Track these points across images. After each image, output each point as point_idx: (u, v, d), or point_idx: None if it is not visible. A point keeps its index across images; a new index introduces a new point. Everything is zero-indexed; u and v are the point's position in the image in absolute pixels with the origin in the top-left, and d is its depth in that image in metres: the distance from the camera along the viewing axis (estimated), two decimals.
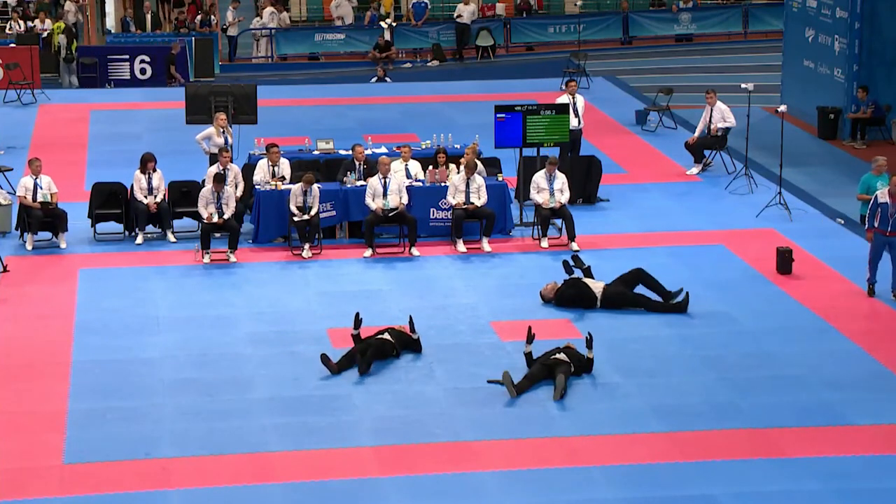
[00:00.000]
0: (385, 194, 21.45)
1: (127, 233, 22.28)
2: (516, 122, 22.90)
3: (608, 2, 44.89)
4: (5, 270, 20.55)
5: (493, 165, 23.32)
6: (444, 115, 30.86)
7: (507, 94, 32.34)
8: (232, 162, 22.19)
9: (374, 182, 21.60)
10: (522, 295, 19.66)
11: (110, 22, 41.94)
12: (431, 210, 22.26)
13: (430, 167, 22.72)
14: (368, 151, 23.27)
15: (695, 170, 26.23)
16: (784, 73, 33.20)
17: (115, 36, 39.58)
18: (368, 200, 21.54)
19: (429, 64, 40.03)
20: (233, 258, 21.16)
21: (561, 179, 21.96)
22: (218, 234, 21.47)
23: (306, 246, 21.46)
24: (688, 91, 32.66)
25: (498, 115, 22.97)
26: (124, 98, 33.81)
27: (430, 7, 42.17)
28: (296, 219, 21.31)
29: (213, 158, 22.94)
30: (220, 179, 21.37)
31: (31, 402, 16.08)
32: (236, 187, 21.86)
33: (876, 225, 19.44)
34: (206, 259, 21.10)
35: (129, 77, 36.02)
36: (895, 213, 19.36)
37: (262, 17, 40.52)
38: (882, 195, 19.52)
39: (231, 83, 24.87)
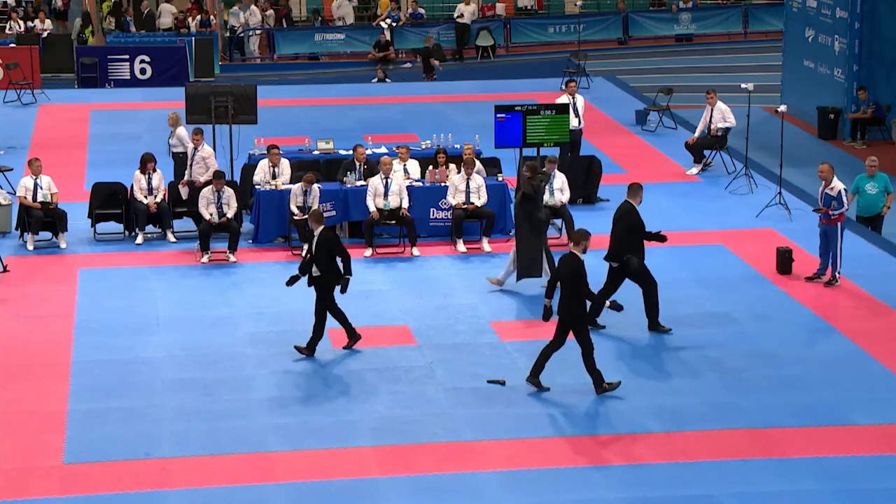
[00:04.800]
0: (386, 194, 21.45)
1: (127, 233, 22.28)
2: (516, 122, 22.85)
3: (608, 2, 44.91)
4: (5, 270, 20.55)
5: (493, 165, 23.33)
6: (444, 115, 30.87)
7: (507, 94, 32.35)
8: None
9: (376, 182, 21.61)
10: (522, 295, 19.66)
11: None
12: (431, 210, 22.26)
13: (430, 167, 22.73)
14: (368, 151, 23.28)
15: (695, 170, 26.24)
16: (784, 73, 33.22)
17: (115, 36, 39.63)
18: (369, 200, 21.55)
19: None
20: (232, 258, 21.16)
21: (561, 179, 21.96)
22: (225, 237, 21.42)
23: (306, 246, 21.43)
24: (688, 91, 32.67)
25: (498, 115, 22.92)
26: (124, 98, 33.82)
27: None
28: (296, 218, 21.31)
29: (178, 160, 23.20)
30: (219, 176, 21.40)
31: (31, 402, 16.08)
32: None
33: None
34: (205, 259, 21.11)
35: (129, 77, 36.04)
36: (823, 198, 19.84)
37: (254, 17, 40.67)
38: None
39: (231, 83, 24.87)
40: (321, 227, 17.45)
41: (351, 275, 17.44)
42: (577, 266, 16.08)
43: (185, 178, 22.48)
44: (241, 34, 40.53)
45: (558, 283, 16.22)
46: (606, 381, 16.17)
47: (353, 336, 17.63)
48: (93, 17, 41.46)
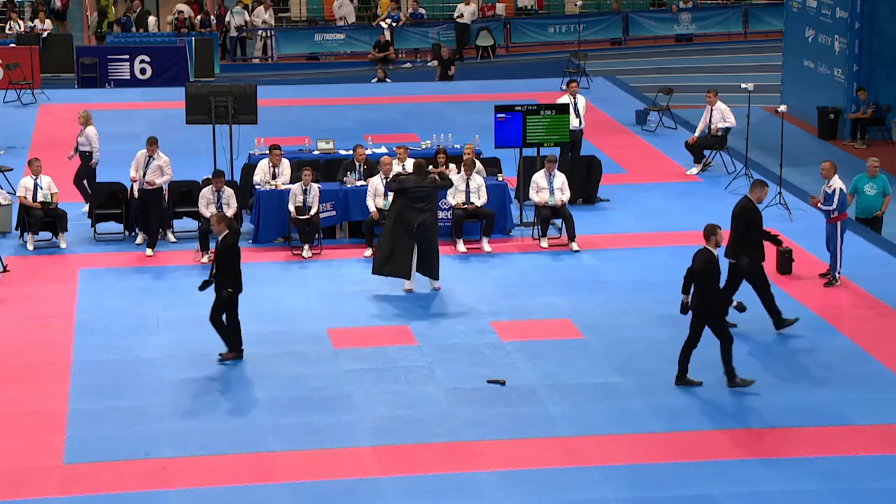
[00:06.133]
0: (386, 194, 21.45)
1: (127, 233, 22.27)
2: (516, 122, 22.90)
3: (608, 2, 44.92)
4: (5, 270, 20.55)
5: (493, 165, 23.33)
6: (444, 115, 30.87)
7: (507, 94, 32.35)
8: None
9: (376, 182, 21.62)
10: (522, 295, 19.67)
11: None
12: None
13: (430, 167, 22.69)
14: (368, 151, 23.29)
15: (695, 170, 26.24)
16: (784, 73, 33.23)
17: (115, 36, 39.66)
18: (369, 201, 21.56)
19: (429, 64, 40.03)
20: None
21: (561, 178, 21.98)
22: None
23: (306, 246, 21.47)
24: (688, 91, 32.67)
25: (498, 115, 22.97)
26: (124, 98, 33.81)
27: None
28: (296, 218, 21.29)
29: (85, 157, 23.11)
30: (219, 175, 21.39)
31: (31, 402, 16.08)
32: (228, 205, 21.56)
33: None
34: (205, 259, 21.10)
35: (129, 77, 36.03)
36: (823, 196, 19.88)
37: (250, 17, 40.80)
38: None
39: (231, 83, 24.88)
40: (225, 233, 17.25)
41: (240, 290, 17.15)
42: (708, 260, 16.15)
43: (137, 183, 21.80)
44: (243, 34, 40.55)
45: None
46: (740, 377, 16.34)
47: (236, 349, 17.26)
48: (110, 11, 41.59)
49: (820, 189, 20.33)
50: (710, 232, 16.31)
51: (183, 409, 15.85)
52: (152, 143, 21.88)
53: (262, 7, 41.11)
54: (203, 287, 17.44)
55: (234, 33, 40.52)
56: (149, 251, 21.49)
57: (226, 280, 17.14)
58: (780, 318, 18.16)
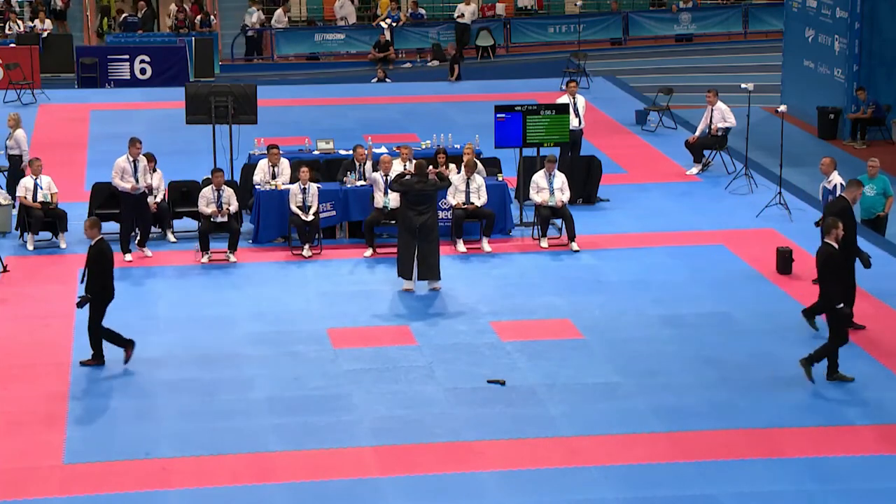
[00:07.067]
0: (386, 192, 21.46)
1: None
2: (516, 122, 22.90)
3: (608, 2, 44.94)
4: (5, 270, 20.55)
5: (493, 165, 23.34)
6: (444, 115, 30.88)
7: (507, 94, 32.37)
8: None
9: (377, 176, 21.62)
10: (522, 295, 19.67)
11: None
12: None
13: (430, 167, 22.71)
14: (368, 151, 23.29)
15: (694, 170, 26.24)
16: (784, 73, 33.24)
17: (115, 36, 39.67)
18: (376, 194, 21.56)
19: (429, 64, 40.07)
20: (232, 258, 21.16)
21: (560, 178, 21.98)
22: (225, 237, 21.32)
23: (306, 246, 21.47)
24: (688, 91, 32.68)
25: (498, 115, 22.98)
26: (124, 98, 33.83)
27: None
28: (298, 216, 21.30)
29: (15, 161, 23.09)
30: (218, 171, 21.37)
31: (31, 402, 16.08)
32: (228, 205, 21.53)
33: None
34: (205, 259, 21.10)
35: (129, 77, 36.04)
36: (822, 192, 19.91)
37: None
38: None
39: (231, 83, 24.88)
40: (97, 238, 17.00)
41: (111, 297, 16.86)
42: (827, 255, 16.20)
43: (136, 191, 21.73)
44: (249, 33, 40.59)
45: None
46: (840, 372, 16.44)
47: (98, 359, 16.99)
48: (92, 19, 41.55)
49: (819, 186, 20.35)
50: (832, 225, 16.31)
51: (183, 409, 15.85)
52: (136, 143, 21.68)
53: (281, 10, 41.29)
54: (81, 304, 16.95)
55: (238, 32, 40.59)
56: (147, 251, 21.46)
57: (97, 286, 16.81)
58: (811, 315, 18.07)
